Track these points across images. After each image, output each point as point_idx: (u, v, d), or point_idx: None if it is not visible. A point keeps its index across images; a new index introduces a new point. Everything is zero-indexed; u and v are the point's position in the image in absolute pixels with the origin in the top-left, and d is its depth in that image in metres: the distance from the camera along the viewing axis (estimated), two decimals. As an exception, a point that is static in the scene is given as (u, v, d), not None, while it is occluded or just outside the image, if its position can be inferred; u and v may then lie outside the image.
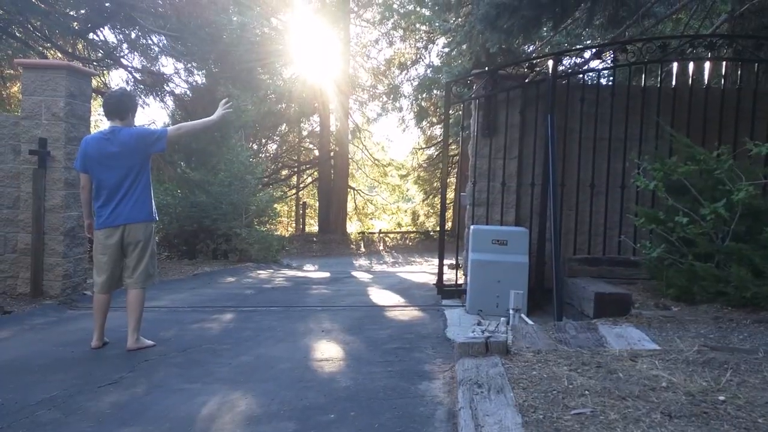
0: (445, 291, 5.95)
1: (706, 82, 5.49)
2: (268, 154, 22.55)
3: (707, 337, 3.30)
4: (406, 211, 25.43)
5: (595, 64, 6.12)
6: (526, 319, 4.38)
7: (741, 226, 4.04)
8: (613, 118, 5.38)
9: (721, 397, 2.24)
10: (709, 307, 3.97)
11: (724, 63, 5.62)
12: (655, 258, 4.37)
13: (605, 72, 6.55)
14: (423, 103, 17.73)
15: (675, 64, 5.49)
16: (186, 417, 2.70)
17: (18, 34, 8.88)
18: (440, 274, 5.92)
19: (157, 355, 3.80)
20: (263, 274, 9.64)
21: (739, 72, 5.47)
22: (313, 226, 23.63)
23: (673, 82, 5.43)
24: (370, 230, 23.25)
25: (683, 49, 5.34)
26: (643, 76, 5.56)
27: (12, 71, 10.21)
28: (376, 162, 24.52)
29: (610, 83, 6.39)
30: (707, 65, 5.72)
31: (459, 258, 6.08)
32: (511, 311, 4.43)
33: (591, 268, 4.99)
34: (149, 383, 3.21)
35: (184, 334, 4.45)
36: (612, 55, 5.45)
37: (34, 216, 5.76)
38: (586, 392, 2.35)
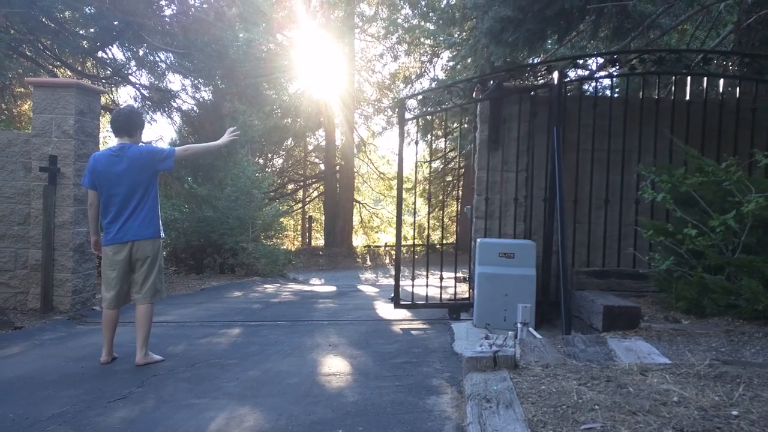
0: (402, 305, 5.88)
1: (720, 91, 5.47)
2: (274, 169, 22.67)
3: (719, 350, 3.27)
4: (411, 225, 25.42)
5: (602, 75, 6.12)
6: (534, 333, 4.36)
7: (751, 238, 4.01)
8: (616, 129, 5.37)
9: (734, 412, 2.22)
10: (720, 320, 3.94)
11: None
12: (664, 270, 4.34)
13: (612, 82, 6.56)
14: (428, 117, 17.78)
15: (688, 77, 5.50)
16: (194, 433, 2.70)
17: (28, 53, 9.03)
18: (396, 287, 5.88)
19: (165, 370, 3.81)
20: (270, 288, 9.65)
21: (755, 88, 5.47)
22: (319, 239, 23.67)
23: (687, 95, 5.43)
24: (375, 243, 23.25)
25: (693, 63, 5.35)
26: (657, 88, 5.57)
27: (22, 89, 10.36)
28: (382, 175, 24.58)
29: (617, 95, 6.41)
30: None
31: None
32: (518, 325, 4.40)
33: (599, 280, 4.96)
34: (158, 398, 3.21)
35: (192, 349, 4.46)
36: (618, 68, 5.45)
37: (44, 232, 5.82)
38: (596, 407, 2.33)
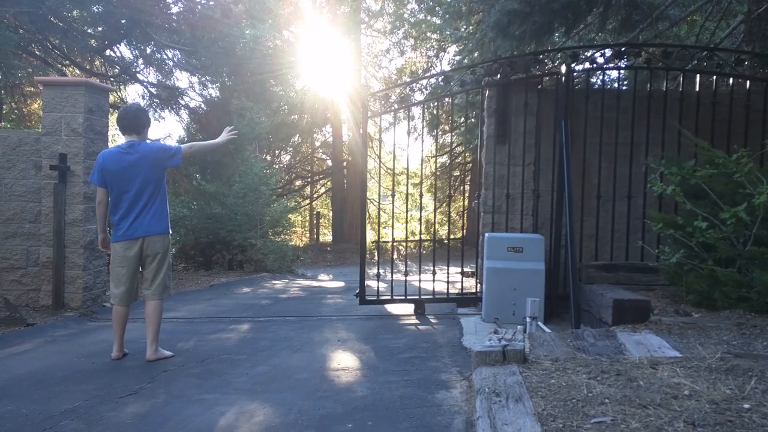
0: (367, 301, 5.82)
1: (730, 82, 5.42)
2: (281, 165, 22.70)
3: (730, 343, 3.25)
4: (419, 220, 25.38)
5: (610, 67, 6.06)
6: (543, 327, 4.34)
7: (763, 230, 3.97)
8: (624, 122, 5.33)
9: (746, 405, 2.20)
10: (731, 313, 3.91)
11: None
12: (674, 263, 4.31)
13: (619, 74, 6.52)
14: (435, 111, 17.75)
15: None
16: (205, 427, 2.72)
17: (37, 53, 9.09)
18: (362, 281, 5.85)
19: (175, 365, 3.83)
20: (278, 284, 9.68)
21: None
22: (327, 235, 23.70)
23: (696, 87, 5.37)
24: (383, 239, 23.26)
25: (702, 57, 5.29)
26: (665, 82, 5.52)
27: (32, 89, 10.43)
28: (389, 171, 24.54)
29: (624, 86, 6.36)
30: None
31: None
32: (527, 319, 4.39)
33: (608, 274, 4.93)
34: (168, 394, 3.24)
35: (202, 345, 4.49)
36: (626, 60, 5.40)
37: (55, 230, 5.87)
38: (606, 400, 2.32)
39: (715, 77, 5.35)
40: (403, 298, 5.79)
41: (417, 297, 5.79)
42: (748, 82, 5.35)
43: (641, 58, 5.40)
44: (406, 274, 5.89)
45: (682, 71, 5.26)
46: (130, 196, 3.93)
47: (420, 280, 6.01)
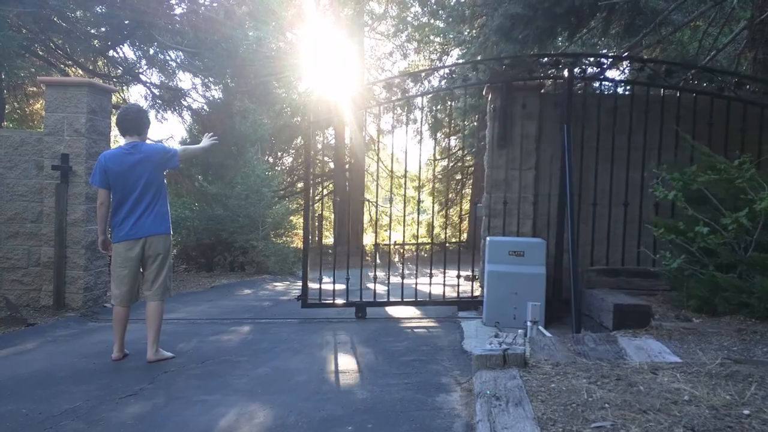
0: (309, 304, 5.83)
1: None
2: (283, 167, 22.72)
3: (730, 349, 3.24)
4: (420, 223, 25.38)
5: (612, 74, 6.09)
6: (544, 331, 4.34)
7: (764, 236, 3.96)
8: (623, 127, 5.33)
9: (746, 411, 2.20)
10: (732, 319, 3.90)
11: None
12: (675, 269, 4.30)
13: (623, 81, 6.51)
14: (438, 115, 17.76)
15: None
16: (205, 428, 2.72)
17: (40, 53, 9.11)
18: (305, 284, 5.85)
19: (176, 366, 3.84)
20: (280, 286, 9.69)
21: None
22: (329, 238, 23.70)
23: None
24: (384, 242, 23.25)
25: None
26: (663, 94, 5.52)
27: (35, 88, 10.46)
28: (390, 174, 24.56)
29: (627, 92, 6.36)
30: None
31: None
32: (528, 323, 4.39)
33: (609, 279, 4.92)
34: (169, 395, 3.24)
35: (202, 346, 4.49)
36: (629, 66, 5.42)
37: (57, 230, 5.88)
38: (606, 405, 2.31)
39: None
40: (345, 302, 5.83)
41: (358, 301, 5.83)
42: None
43: (644, 73, 5.42)
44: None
45: (679, 89, 5.30)
46: (135, 197, 3.94)
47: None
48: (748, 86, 5.37)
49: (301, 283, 6.12)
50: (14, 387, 3.41)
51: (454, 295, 6.00)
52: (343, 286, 6.21)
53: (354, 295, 6.01)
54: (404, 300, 5.90)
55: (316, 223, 23.75)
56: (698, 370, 2.74)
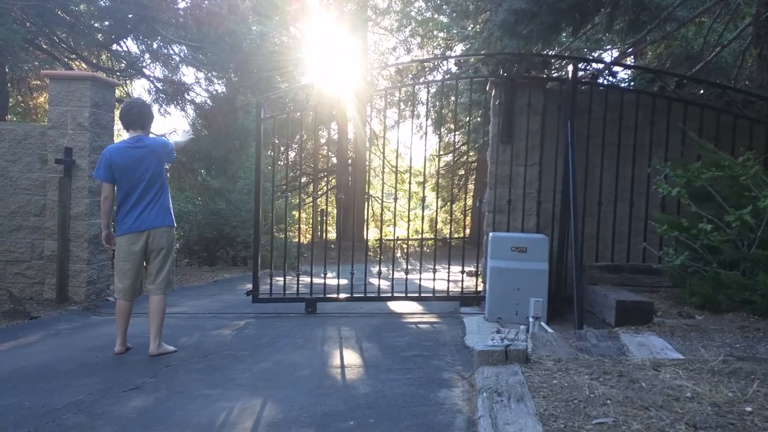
0: (260, 299, 5.82)
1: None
2: (287, 162, 22.69)
3: (733, 346, 3.24)
4: (423, 218, 25.36)
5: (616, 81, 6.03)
6: (546, 327, 4.34)
7: (768, 234, 3.96)
8: (629, 123, 5.31)
9: (748, 408, 2.19)
10: (735, 316, 3.89)
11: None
12: (678, 265, 4.29)
13: (628, 76, 6.49)
14: (442, 110, 17.73)
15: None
16: (207, 422, 2.73)
17: (44, 46, 9.12)
18: (255, 278, 5.86)
19: (178, 360, 3.85)
20: (280, 281, 9.68)
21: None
22: (331, 233, 23.74)
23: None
24: (387, 237, 23.25)
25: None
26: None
27: (38, 82, 10.47)
28: (393, 169, 24.55)
29: (631, 87, 6.33)
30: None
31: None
32: (530, 319, 4.39)
33: (612, 275, 4.92)
34: (171, 388, 3.25)
35: (204, 340, 4.50)
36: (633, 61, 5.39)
37: (60, 223, 5.89)
38: (608, 401, 2.31)
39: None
40: (295, 296, 5.86)
41: (308, 296, 5.83)
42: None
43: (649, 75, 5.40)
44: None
45: (687, 103, 5.27)
46: (140, 190, 3.95)
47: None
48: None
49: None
50: (17, 380, 3.42)
51: (457, 290, 5.99)
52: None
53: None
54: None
55: (319, 218, 23.72)
56: (700, 366, 2.74)
